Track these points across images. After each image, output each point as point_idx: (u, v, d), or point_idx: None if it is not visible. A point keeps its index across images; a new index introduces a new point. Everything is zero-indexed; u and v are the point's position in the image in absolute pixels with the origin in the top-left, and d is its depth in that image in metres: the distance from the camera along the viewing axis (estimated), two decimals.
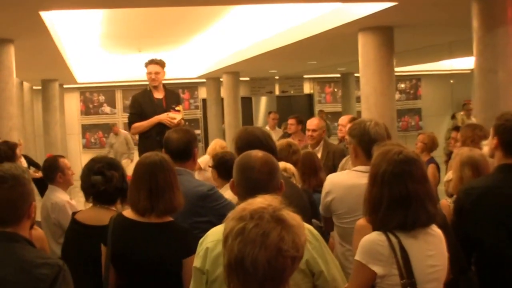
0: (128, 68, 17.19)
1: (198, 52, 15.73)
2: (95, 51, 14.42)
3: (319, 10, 8.95)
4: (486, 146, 4.73)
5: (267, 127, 13.82)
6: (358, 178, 4.08)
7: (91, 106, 20.57)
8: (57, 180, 5.69)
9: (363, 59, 8.84)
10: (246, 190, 3.12)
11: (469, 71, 22.00)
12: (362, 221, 3.53)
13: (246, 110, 19.68)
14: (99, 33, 11.61)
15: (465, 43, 12.27)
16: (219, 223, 4.50)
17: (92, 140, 20.43)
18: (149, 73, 7.56)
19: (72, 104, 20.38)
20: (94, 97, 20.50)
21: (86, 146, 20.00)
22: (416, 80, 23.61)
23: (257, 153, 3.25)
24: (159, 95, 7.69)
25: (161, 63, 7.71)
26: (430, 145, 7.93)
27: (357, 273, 3.07)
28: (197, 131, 20.59)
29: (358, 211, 3.92)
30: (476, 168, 4.29)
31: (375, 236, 3.04)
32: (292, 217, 2.07)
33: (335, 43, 10.71)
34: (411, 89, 23.71)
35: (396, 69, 11.67)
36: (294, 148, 5.47)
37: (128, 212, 3.69)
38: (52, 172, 5.67)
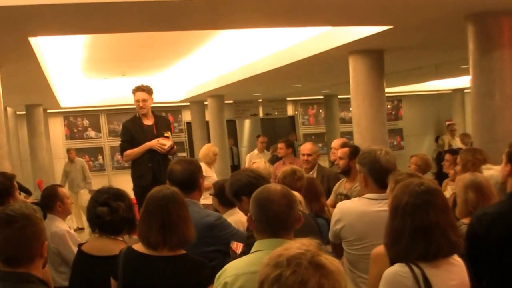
0: (112, 92, 17.14)
1: (182, 76, 15.71)
2: (78, 75, 14.34)
3: (309, 33, 8.96)
4: (487, 170, 4.75)
5: (256, 151, 13.79)
6: (368, 205, 4.12)
7: (75, 130, 20.45)
8: (56, 209, 5.62)
9: (354, 82, 8.85)
10: (266, 225, 3.12)
11: (449, 91, 22.40)
12: (378, 250, 3.51)
13: (231, 133, 19.70)
14: (82, 57, 11.53)
15: (451, 65, 12.46)
16: (228, 252, 4.51)
17: None
18: (136, 101, 7.56)
19: (57, 128, 20.24)
20: (78, 121, 20.38)
21: None
22: (397, 101, 23.81)
23: (276, 187, 3.23)
24: (148, 121, 7.68)
25: (148, 90, 7.70)
26: (424, 167, 7.92)
27: None
28: (183, 154, 20.56)
29: (368, 237, 4.00)
30: (480, 190, 4.29)
31: (398, 268, 3.03)
32: (330, 262, 1.99)
33: (324, 66, 10.74)
34: (393, 110, 23.89)
35: None
36: (298, 175, 5.45)
37: (138, 246, 3.63)
38: (51, 201, 5.60)
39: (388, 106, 23.13)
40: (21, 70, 9.41)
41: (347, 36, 8.03)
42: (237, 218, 5.56)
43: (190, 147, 20.54)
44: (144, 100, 7.52)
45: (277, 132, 20.74)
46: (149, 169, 7.54)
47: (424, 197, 3.07)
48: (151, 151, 7.51)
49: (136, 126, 7.64)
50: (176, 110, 20.59)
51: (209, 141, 16.98)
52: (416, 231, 3.02)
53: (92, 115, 20.27)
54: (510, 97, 6.33)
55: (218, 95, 16.30)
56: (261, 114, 19.91)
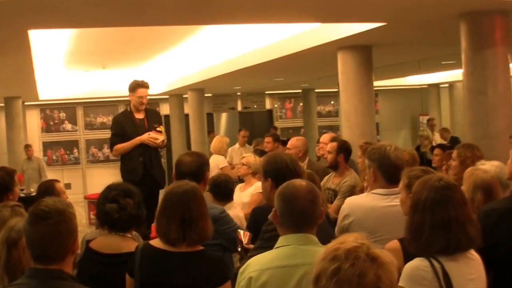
0: (90, 85, 17.01)
1: (161, 69, 15.66)
2: (59, 68, 14.22)
3: (296, 28, 8.99)
4: (484, 166, 4.82)
5: (237, 145, 13.79)
6: (377, 200, 4.19)
7: (52, 123, 20.28)
8: None
9: (343, 77, 8.93)
10: (291, 220, 3.15)
11: (425, 86, 22.66)
12: (391, 245, 3.59)
13: (208, 126, 19.67)
14: (66, 49, 11.44)
15: (433, 60, 12.63)
16: (230, 246, 4.54)
17: (54, 158, 20.14)
18: (139, 97, 7.54)
19: (33, 121, 20.06)
20: (54, 114, 20.21)
21: (48, 163, 19.59)
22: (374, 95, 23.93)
23: (301, 182, 3.26)
24: (140, 115, 7.68)
25: (148, 86, 7.72)
26: (411, 162, 8.02)
27: None
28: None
29: (377, 233, 4.01)
30: (489, 193, 4.33)
31: (418, 262, 3.09)
32: (385, 254, 2.05)
33: (312, 61, 10.81)
34: None
35: None
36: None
37: (156, 242, 3.59)
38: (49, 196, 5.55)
39: None
40: (12, 63, 9.34)
41: (338, 32, 8.08)
42: (234, 213, 5.61)
43: (168, 140, 20.48)
44: (146, 96, 7.54)
45: (255, 126, 20.75)
46: (140, 163, 7.53)
47: (443, 192, 3.14)
48: (143, 146, 7.50)
49: (127, 120, 7.62)
50: (153, 103, 20.46)
51: (188, 135, 16.99)
52: (436, 226, 3.08)
53: (69, 108, 20.13)
54: (502, 94, 6.45)
55: (198, 88, 16.29)
56: (239, 108, 19.94)
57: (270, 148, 10.19)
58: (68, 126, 20.32)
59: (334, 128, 21.82)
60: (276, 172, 4.00)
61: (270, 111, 22.68)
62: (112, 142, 7.64)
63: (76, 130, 20.34)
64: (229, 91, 18.85)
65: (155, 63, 14.79)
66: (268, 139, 10.49)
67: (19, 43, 7.38)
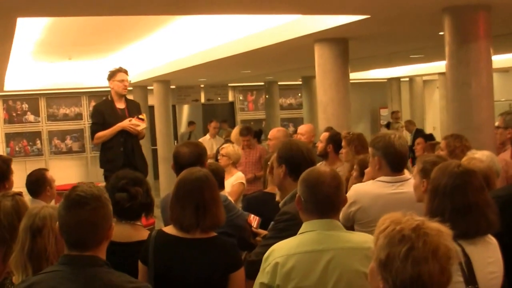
0: (53, 76, 16.81)
1: (126, 61, 15.54)
2: (26, 59, 13.99)
3: (271, 21, 9.04)
4: (476, 155, 4.94)
5: (208, 136, 13.81)
6: (383, 188, 4.27)
7: (14, 114, 19.97)
8: (45, 194, 5.54)
9: (320, 70, 9.00)
10: (316, 206, 3.22)
11: (385, 80, 23.00)
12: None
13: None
14: (34, 40, 11.26)
15: (402, 54, 12.83)
16: (235, 233, 4.57)
17: (17, 149, 19.80)
18: (121, 81, 7.51)
19: None
20: (17, 105, 19.90)
21: (11, 154, 19.18)
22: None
23: (325, 169, 3.33)
24: (121, 105, 7.66)
25: (127, 72, 7.68)
26: None
27: None
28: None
29: None
30: (486, 182, 4.43)
31: None
32: (440, 226, 2.15)
33: (288, 54, 10.87)
34: None
35: None
36: None
37: (169, 229, 3.63)
38: (40, 186, 5.52)
39: None
40: None
41: (316, 25, 8.13)
42: None
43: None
44: (127, 81, 7.50)
45: (217, 118, 20.80)
46: (120, 153, 7.51)
47: (463, 178, 3.22)
48: (125, 135, 7.47)
49: (108, 108, 7.59)
50: None
51: (153, 125, 16.89)
52: (456, 210, 3.15)
53: (31, 99, 19.83)
54: (485, 87, 6.60)
55: (164, 80, 16.22)
56: (202, 100, 19.91)
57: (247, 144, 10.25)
58: (30, 117, 20.05)
59: (297, 121, 22.04)
60: (291, 160, 4.05)
61: (232, 104, 22.73)
62: (93, 130, 7.63)
63: (39, 121, 20.08)
64: (193, 83, 18.80)
65: (120, 55, 14.68)
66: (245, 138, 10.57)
67: (4, 31, 7.24)
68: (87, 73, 16.90)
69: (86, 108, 20.17)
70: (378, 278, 2.15)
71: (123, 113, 7.58)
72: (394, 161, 4.25)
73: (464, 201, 3.18)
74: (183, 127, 21.81)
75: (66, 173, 18.05)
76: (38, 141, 20.09)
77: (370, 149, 4.42)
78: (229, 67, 13.76)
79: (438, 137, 10.84)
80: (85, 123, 20.12)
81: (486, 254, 3.18)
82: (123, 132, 7.46)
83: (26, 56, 13.55)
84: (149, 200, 4.15)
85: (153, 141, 17.37)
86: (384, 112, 24.22)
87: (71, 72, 16.62)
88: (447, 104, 6.89)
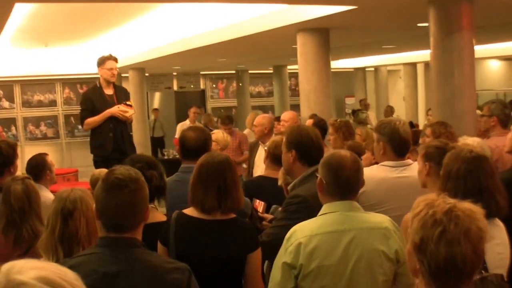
0: (28, 63, 16.71)
1: (102, 48, 15.51)
2: (4, 45, 13.89)
3: (258, 11, 9.17)
4: (467, 141, 5.16)
5: (187, 121, 13.93)
6: (387, 172, 4.39)
7: None
8: (45, 178, 5.59)
9: (303, 58, 9.20)
10: (337, 188, 3.34)
11: (351, 70, 23.32)
12: (410, 216, 3.85)
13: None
14: (15, 26, 11.22)
15: (375, 44, 13.08)
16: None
17: None
18: (110, 69, 7.60)
19: None
20: None
21: None
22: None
23: (346, 153, 3.45)
24: (109, 91, 7.75)
25: (117, 60, 7.75)
26: (365, 137, 8.38)
27: None
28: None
29: (386, 203, 4.24)
30: None
31: None
32: (472, 206, 2.24)
33: (268, 42, 11.02)
34: (297, 86, 24.50)
35: None
36: None
37: (190, 211, 3.68)
38: (41, 170, 5.53)
39: (289, 83, 23.78)
40: None
41: (299, 15, 8.30)
42: None
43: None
44: (116, 69, 7.58)
45: (189, 105, 20.88)
46: (110, 139, 7.59)
47: (475, 163, 3.40)
48: (114, 121, 7.56)
49: (97, 95, 7.67)
50: (91, 82, 20.24)
51: None
52: (469, 193, 3.19)
53: (6, 86, 19.65)
54: (468, 76, 6.85)
55: (139, 68, 16.27)
56: (175, 87, 19.98)
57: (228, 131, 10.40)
58: (5, 103, 19.91)
59: (266, 108, 22.25)
60: (301, 145, 4.15)
61: (203, 91, 22.82)
62: (83, 116, 7.69)
63: (14, 108, 19.97)
64: (167, 71, 18.86)
65: (96, 42, 14.66)
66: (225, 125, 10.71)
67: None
68: (62, 60, 16.84)
69: (60, 95, 20.14)
70: (414, 259, 2.25)
71: (111, 99, 7.67)
72: (399, 147, 4.41)
73: (476, 185, 3.35)
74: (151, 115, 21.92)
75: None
76: (13, 128, 20.03)
77: (375, 135, 4.57)
78: (207, 56, 13.85)
79: None
80: (59, 109, 20.13)
81: (494, 236, 3.28)
82: (112, 118, 7.54)
83: (5, 43, 13.47)
84: (162, 183, 4.24)
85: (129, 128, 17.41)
86: (350, 101, 24.55)
87: (46, 59, 16.55)
88: (431, 92, 7.13)
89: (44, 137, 20.15)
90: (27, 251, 4.33)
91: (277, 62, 18.25)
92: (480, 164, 3.43)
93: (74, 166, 16.47)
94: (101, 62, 7.64)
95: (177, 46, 12.17)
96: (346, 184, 3.35)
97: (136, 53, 14.42)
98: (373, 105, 22.57)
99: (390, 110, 15.76)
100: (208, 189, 3.61)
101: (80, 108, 7.88)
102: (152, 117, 19.02)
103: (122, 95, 7.81)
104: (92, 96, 7.69)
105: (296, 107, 23.77)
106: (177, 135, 13.52)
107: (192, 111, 14.01)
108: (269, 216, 4.48)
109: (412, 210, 2.29)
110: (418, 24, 8.47)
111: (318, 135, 4.34)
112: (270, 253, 3.70)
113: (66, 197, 3.41)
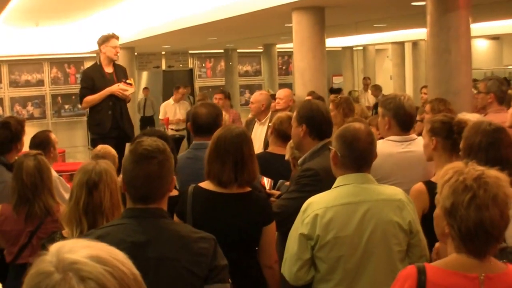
0: (16, 43, 16.64)
1: (91, 28, 15.47)
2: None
3: None
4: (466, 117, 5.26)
5: (171, 100, 13.98)
6: (393, 147, 4.46)
7: None
8: (49, 156, 5.60)
9: (298, 36, 9.27)
10: (352, 161, 3.42)
11: (339, 49, 23.38)
12: (418, 187, 3.97)
13: None
14: (12, 7, 11.15)
15: (368, 23, 13.16)
16: None
17: None
18: (114, 47, 7.63)
19: None
20: None
21: None
22: (287, 56, 24.55)
23: (360, 126, 3.52)
24: (109, 69, 7.78)
25: (118, 38, 7.79)
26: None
27: None
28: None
29: (392, 177, 4.30)
30: None
31: None
32: (497, 173, 2.37)
33: (263, 21, 11.06)
34: (283, 65, 24.59)
35: None
36: None
37: (206, 184, 3.71)
38: (45, 147, 5.49)
39: (279, 62, 23.87)
40: None
41: None
42: None
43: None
44: (119, 47, 7.63)
45: (176, 85, 20.90)
46: (108, 116, 7.63)
47: (495, 135, 3.54)
48: (113, 99, 7.61)
49: (97, 73, 7.71)
50: (78, 61, 20.26)
51: None
52: (490, 163, 3.39)
53: None
54: (465, 54, 6.97)
55: (129, 47, 16.22)
56: (163, 67, 19.97)
57: (221, 104, 10.46)
58: None
59: (253, 87, 22.36)
60: (312, 120, 4.20)
61: (191, 70, 22.83)
62: (82, 94, 7.72)
63: (1, 88, 19.93)
64: (156, 50, 18.83)
65: (86, 22, 14.62)
66: (219, 95, 10.77)
67: None
68: (50, 40, 16.79)
69: (47, 74, 20.11)
70: (444, 223, 2.37)
71: (111, 78, 7.73)
72: (404, 122, 4.49)
73: (497, 156, 3.46)
74: (141, 94, 21.89)
75: (27, 138, 17.85)
76: (0, 108, 20.00)
77: (380, 110, 4.65)
78: (198, 34, 13.87)
79: None
80: (47, 89, 20.09)
81: None
82: (112, 96, 7.59)
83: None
84: (174, 158, 4.31)
85: None
86: (337, 80, 24.65)
87: (35, 39, 16.50)
88: (427, 69, 7.24)
89: (31, 117, 20.03)
90: (39, 227, 4.40)
91: (267, 41, 18.27)
92: (500, 135, 3.57)
93: (61, 147, 16.46)
94: (106, 39, 7.65)
95: (171, 25, 12.18)
96: (360, 157, 3.42)
97: (127, 32, 14.37)
98: (360, 84, 22.70)
99: (376, 90, 15.87)
100: (225, 163, 3.65)
101: (80, 86, 7.89)
102: (142, 95, 19.02)
103: (121, 74, 7.86)
104: (92, 74, 7.72)
105: (283, 86, 23.94)
106: (161, 115, 13.59)
107: (180, 91, 14.00)
108: (276, 193, 4.52)
109: (440, 177, 2.40)
110: (413, 3, 8.53)
111: (328, 110, 4.41)
112: (280, 224, 3.81)
113: (91, 169, 3.46)
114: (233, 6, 9.78)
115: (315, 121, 4.21)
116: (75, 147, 18.81)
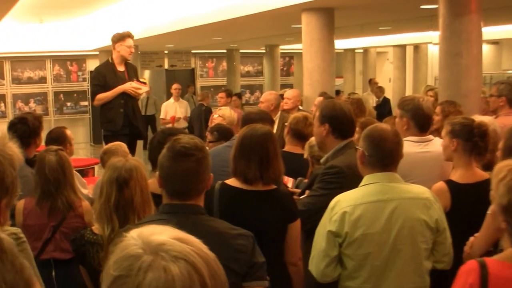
0: (20, 39, 16.67)
1: (94, 25, 15.51)
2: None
3: None
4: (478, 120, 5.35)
5: (172, 99, 14.02)
6: (411, 147, 4.47)
7: None
8: (65, 152, 5.64)
9: (307, 38, 9.33)
10: (380, 160, 3.49)
11: (341, 51, 23.44)
12: (439, 186, 4.06)
13: None
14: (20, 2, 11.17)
15: (372, 25, 13.23)
16: None
17: None
18: (129, 46, 7.66)
19: None
20: None
21: None
22: (289, 57, 24.63)
23: (386, 126, 3.62)
24: (121, 67, 7.81)
25: (133, 38, 7.85)
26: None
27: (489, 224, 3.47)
28: (84, 103, 20.36)
29: (410, 176, 4.26)
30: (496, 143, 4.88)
31: None
32: None
33: (270, 22, 11.11)
34: (285, 66, 24.66)
35: None
36: (310, 121, 5.81)
37: (232, 181, 3.77)
38: (61, 143, 5.50)
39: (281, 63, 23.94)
40: None
41: None
42: None
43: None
44: (133, 47, 7.68)
45: (180, 83, 20.97)
46: (120, 114, 7.67)
47: None
48: (125, 97, 7.65)
49: (109, 71, 7.75)
50: (80, 59, 20.29)
51: None
52: None
53: None
54: (475, 57, 7.04)
55: (134, 45, 16.21)
56: (166, 66, 20.02)
57: (223, 103, 10.57)
58: None
59: (254, 88, 22.48)
60: (335, 119, 4.26)
61: (193, 70, 22.89)
62: (94, 92, 7.78)
63: (3, 84, 19.95)
64: (159, 49, 18.87)
65: (90, 19, 14.63)
66: (221, 94, 10.86)
67: None
68: (53, 37, 16.82)
69: (50, 71, 20.17)
70: (500, 219, 2.44)
71: (123, 76, 7.77)
72: (422, 122, 4.57)
73: None
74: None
75: None
76: (2, 104, 20.05)
77: (398, 111, 4.70)
78: (204, 34, 13.91)
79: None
80: (49, 86, 20.14)
81: None
82: (123, 94, 7.64)
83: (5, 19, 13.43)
84: None
85: None
86: (338, 81, 24.71)
87: (38, 36, 16.53)
88: (439, 72, 7.32)
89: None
90: (62, 221, 4.46)
91: (270, 42, 18.34)
92: None
93: None
94: (121, 38, 7.70)
95: (177, 24, 12.20)
96: (388, 156, 3.50)
97: (131, 30, 14.35)
98: (360, 86, 22.83)
99: (380, 91, 15.99)
100: (250, 161, 3.70)
101: (91, 83, 7.93)
102: (144, 94, 19.00)
103: (132, 72, 7.91)
104: (105, 71, 7.77)
105: (285, 87, 24.01)
106: (162, 115, 13.63)
107: (173, 87, 14.05)
108: (297, 191, 4.60)
109: (495, 176, 2.49)
110: (422, 6, 8.60)
111: (350, 109, 4.45)
112: (305, 222, 3.87)
113: (121, 166, 3.51)
114: (241, 6, 9.82)
115: (338, 120, 4.27)
116: (77, 144, 18.48)
